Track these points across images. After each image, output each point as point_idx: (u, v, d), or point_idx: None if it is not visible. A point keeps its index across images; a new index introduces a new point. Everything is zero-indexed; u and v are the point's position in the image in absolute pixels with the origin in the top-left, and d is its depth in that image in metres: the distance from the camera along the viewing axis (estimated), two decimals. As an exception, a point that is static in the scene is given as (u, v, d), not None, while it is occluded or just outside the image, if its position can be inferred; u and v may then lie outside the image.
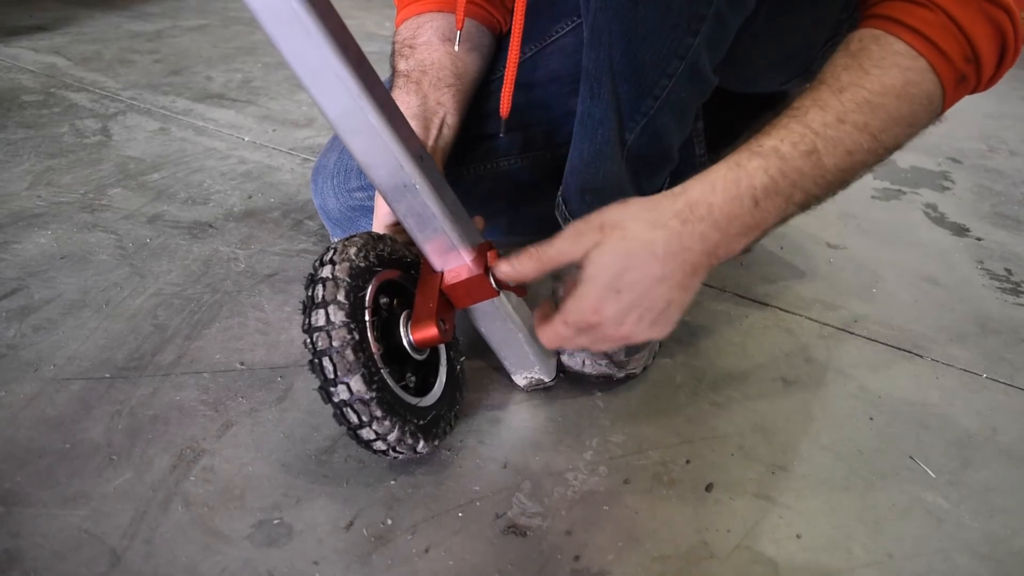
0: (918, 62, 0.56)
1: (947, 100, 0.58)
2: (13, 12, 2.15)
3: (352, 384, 0.59)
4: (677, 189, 0.59)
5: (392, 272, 0.68)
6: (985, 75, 0.59)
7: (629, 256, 0.59)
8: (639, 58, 0.66)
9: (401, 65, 0.86)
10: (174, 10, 2.39)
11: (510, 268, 0.64)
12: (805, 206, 0.60)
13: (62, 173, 1.20)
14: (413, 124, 0.77)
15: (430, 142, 0.80)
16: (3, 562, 0.56)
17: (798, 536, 0.65)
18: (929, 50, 0.56)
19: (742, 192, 0.57)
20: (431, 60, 0.84)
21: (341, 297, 0.60)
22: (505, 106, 0.80)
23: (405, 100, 0.81)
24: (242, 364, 0.80)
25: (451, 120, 0.83)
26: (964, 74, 0.57)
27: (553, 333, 0.64)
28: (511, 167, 0.95)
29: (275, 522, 0.62)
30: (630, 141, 0.71)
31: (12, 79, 1.62)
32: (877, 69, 0.56)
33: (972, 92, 0.61)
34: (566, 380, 0.82)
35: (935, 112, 0.59)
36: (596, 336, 0.62)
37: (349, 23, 0.59)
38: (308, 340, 0.60)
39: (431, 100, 0.82)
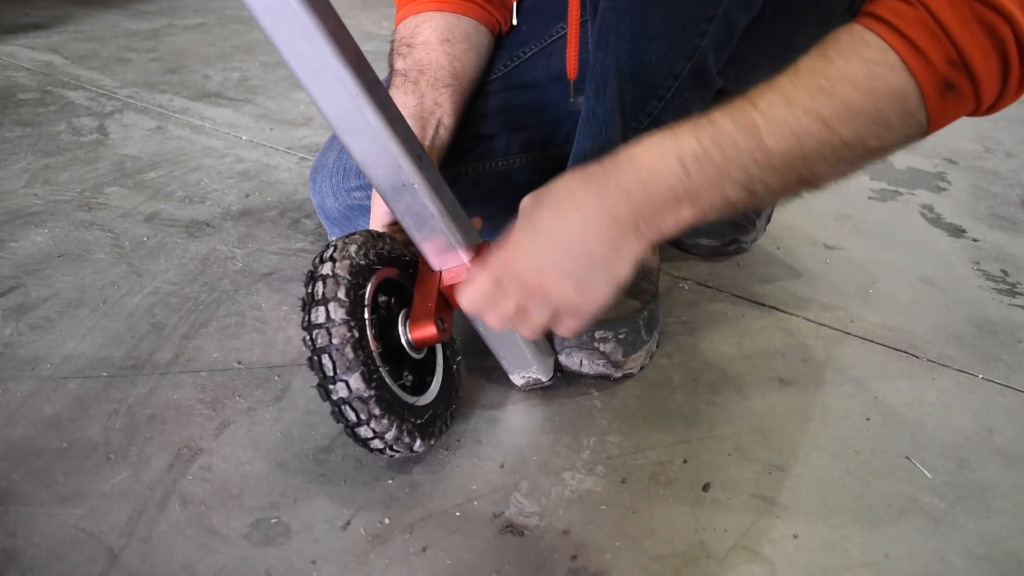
0: (887, 56, 0.52)
1: (930, 107, 0.53)
2: (9, 10, 2.14)
3: (351, 382, 0.59)
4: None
5: (391, 271, 0.68)
6: (985, 91, 0.53)
7: (549, 196, 0.59)
8: (645, 58, 0.66)
9: (398, 64, 0.86)
10: (171, 8, 2.38)
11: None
12: (752, 190, 0.55)
13: (59, 171, 1.19)
14: (409, 124, 0.77)
15: (426, 142, 0.80)
16: (0, 561, 0.56)
17: (795, 536, 0.66)
18: (902, 45, 0.52)
19: (667, 152, 0.55)
20: (428, 60, 0.84)
21: (341, 294, 0.60)
22: (572, 65, 0.79)
23: (402, 100, 0.81)
24: (239, 363, 0.80)
25: (448, 121, 0.83)
26: (950, 81, 0.52)
27: (473, 288, 0.61)
28: (510, 167, 0.95)
29: (272, 521, 0.62)
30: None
31: (8, 77, 1.62)
32: (840, 58, 0.53)
33: (975, 112, 0.56)
34: (563, 380, 0.82)
35: (911, 116, 0.53)
36: (517, 287, 0.59)
37: (346, 22, 0.59)
38: (307, 337, 0.60)
39: (428, 100, 0.82)
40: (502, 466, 0.70)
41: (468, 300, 0.61)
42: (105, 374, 0.76)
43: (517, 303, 0.60)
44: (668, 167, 0.55)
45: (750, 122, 0.53)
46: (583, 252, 0.57)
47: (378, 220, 0.79)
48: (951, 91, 0.53)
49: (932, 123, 0.54)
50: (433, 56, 0.84)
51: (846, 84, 0.52)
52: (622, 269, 0.58)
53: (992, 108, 0.55)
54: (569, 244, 0.58)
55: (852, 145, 0.54)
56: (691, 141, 0.54)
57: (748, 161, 0.54)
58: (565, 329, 0.62)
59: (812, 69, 0.53)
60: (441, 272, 0.67)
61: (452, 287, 0.67)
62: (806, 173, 0.55)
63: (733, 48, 0.71)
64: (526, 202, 0.61)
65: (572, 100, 0.89)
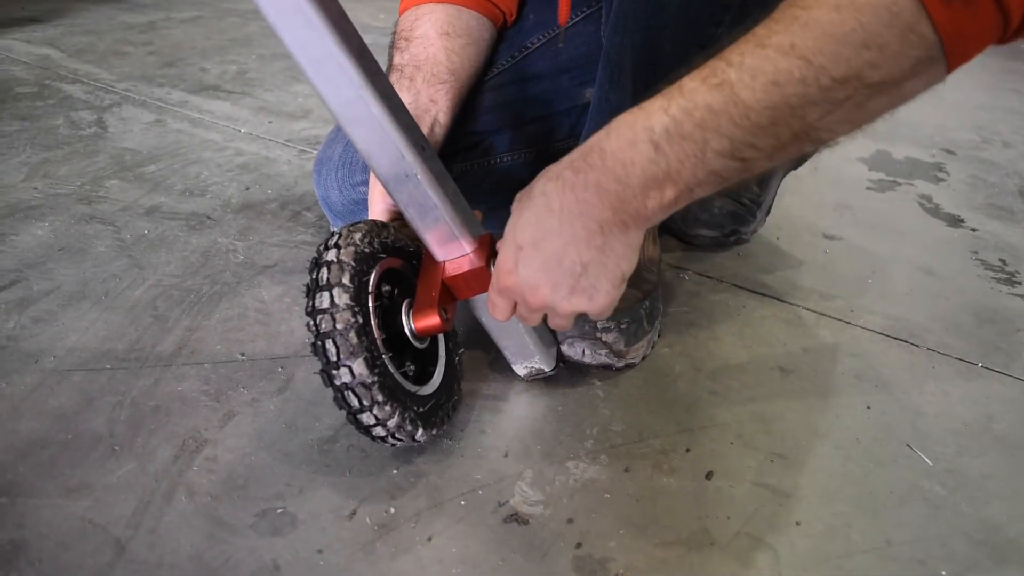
0: None
1: (936, 17, 0.42)
2: (6, 4, 2.13)
3: (354, 367, 0.59)
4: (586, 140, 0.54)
5: (395, 260, 0.68)
6: (1014, 3, 0.42)
7: (528, 211, 0.57)
8: (659, 46, 0.66)
9: (396, 58, 0.85)
10: (167, 1, 2.38)
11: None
12: (741, 157, 0.49)
13: (58, 165, 1.19)
14: None
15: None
16: (8, 552, 0.56)
17: (797, 523, 0.66)
18: None
19: (637, 136, 0.50)
20: (426, 55, 0.83)
21: (346, 280, 0.60)
22: (564, 11, 0.78)
23: None
24: (243, 355, 0.80)
25: (443, 118, 0.82)
26: None
27: (491, 304, 0.63)
28: (513, 163, 0.95)
29: (278, 511, 0.62)
30: None
31: (6, 71, 1.62)
32: None
33: (1005, 32, 0.44)
34: (566, 370, 0.82)
35: (911, 31, 0.43)
36: (523, 303, 0.60)
37: (349, 13, 0.59)
38: (311, 322, 0.60)
39: (423, 97, 0.81)
40: (506, 455, 0.71)
41: (494, 314, 0.64)
42: (108, 367, 0.76)
43: (526, 310, 0.62)
44: (640, 152, 0.51)
45: (722, 79, 0.47)
46: (573, 264, 0.56)
47: (376, 214, 0.78)
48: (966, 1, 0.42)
49: (948, 44, 0.43)
50: (431, 51, 0.83)
51: (824, 7, 0.44)
52: (620, 265, 0.57)
53: None
54: (559, 259, 0.56)
55: (845, 81, 0.45)
56: (662, 117, 0.50)
57: (726, 125, 0.48)
58: (592, 317, 0.63)
59: (784, 7, 0.46)
60: (444, 263, 0.68)
61: (455, 277, 0.67)
62: (799, 126, 0.47)
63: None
64: (514, 205, 0.61)
65: (560, 45, 0.87)
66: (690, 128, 0.49)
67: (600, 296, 0.58)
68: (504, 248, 0.60)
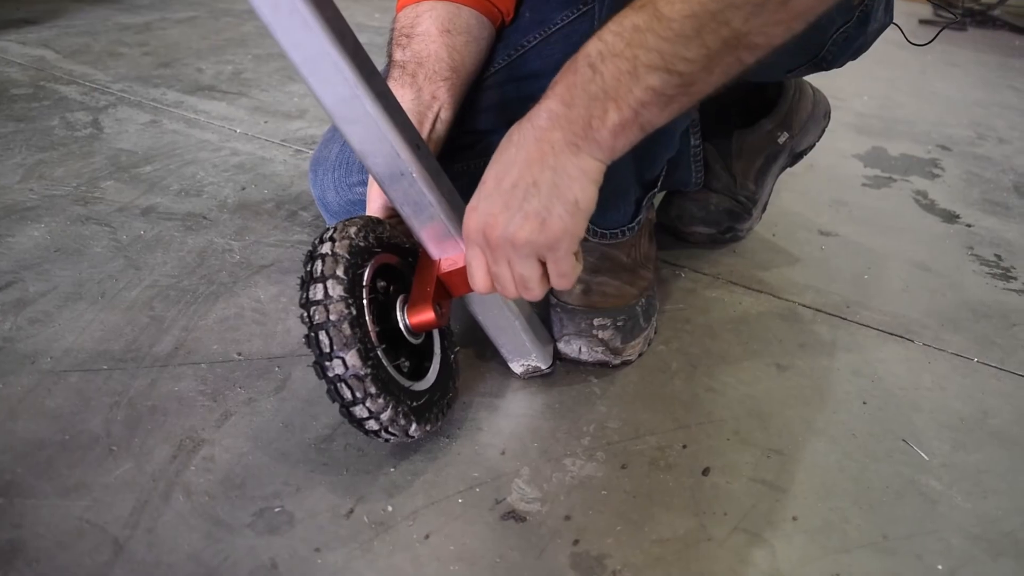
0: None
1: None
2: (0, 5, 2.13)
3: (348, 359, 0.59)
4: None
5: (390, 256, 0.68)
6: None
7: (494, 155, 0.60)
8: None
9: (397, 55, 0.85)
10: (163, 2, 2.37)
11: None
12: (676, 71, 0.51)
13: (54, 166, 1.19)
14: None
15: (424, 136, 0.80)
16: (6, 552, 0.56)
17: (794, 518, 0.66)
18: None
19: (578, 63, 0.54)
20: (427, 52, 0.83)
21: (340, 272, 0.60)
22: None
23: (399, 93, 0.80)
24: (239, 354, 0.80)
25: (445, 115, 0.82)
26: None
27: (471, 272, 0.64)
28: None
29: (276, 510, 0.62)
30: None
31: (1, 72, 1.61)
32: None
33: None
34: (562, 367, 0.82)
35: None
36: (486, 244, 0.61)
37: (344, 12, 0.59)
38: (305, 314, 0.60)
39: (425, 94, 0.81)
40: (503, 453, 0.71)
41: (477, 285, 0.64)
42: (105, 367, 0.76)
43: (508, 265, 0.61)
44: (580, 76, 0.54)
45: (645, 1, 0.51)
46: (527, 185, 0.57)
47: (373, 211, 0.78)
48: None
49: None
50: (432, 48, 0.83)
51: None
52: (574, 189, 0.57)
53: None
54: (513, 184, 0.58)
55: None
56: (596, 43, 0.53)
57: (652, 39, 0.50)
58: (558, 279, 0.62)
59: None
60: (439, 259, 0.68)
61: (450, 274, 0.67)
62: (726, 32, 0.49)
63: None
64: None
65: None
66: (620, 47, 0.52)
67: (552, 221, 0.58)
68: (473, 196, 0.61)
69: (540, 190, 0.57)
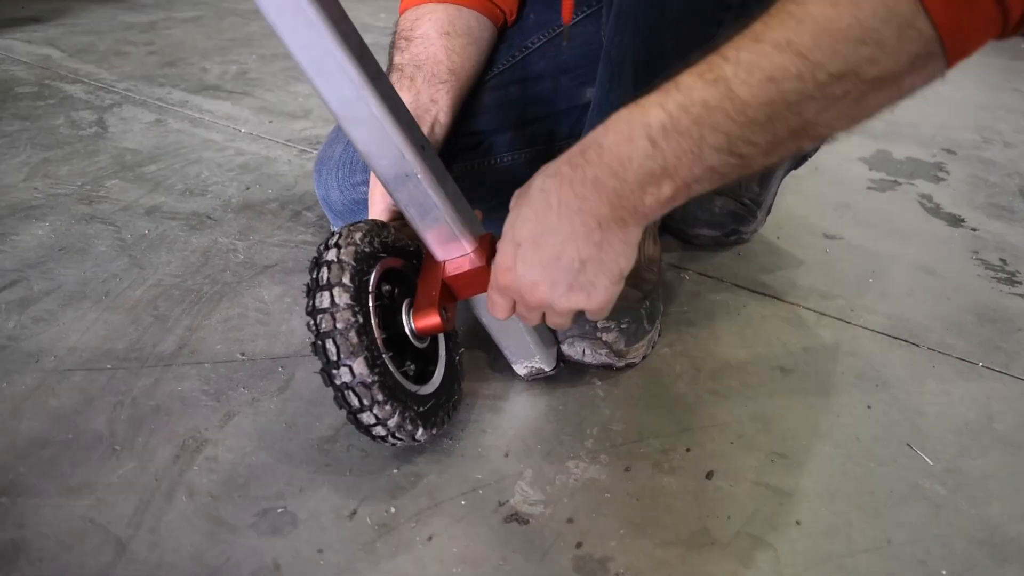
0: None
1: (932, 10, 0.42)
2: (6, 4, 2.14)
3: (355, 367, 0.59)
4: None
5: (395, 260, 0.68)
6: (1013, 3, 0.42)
7: (526, 208, 0.57)
8: (661, 46, 0.66)
9: (396, 58, 0.85)
10: (168, 1, 2.38)
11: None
12: (738, 153, 0.49)
13: (59, 165, 1.19)
14: None
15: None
16: (9, 552, 0.57)
17: (798, 522, 0.66)
18: None
19: (634, 131, 0.51)
20: (426, 55, 0.83)
21: (346, 280, 0.60)
22: (568, 10, 0.78)
23: None
24: (243, 354, 0.80)
25: (443, 118, 0.82)
26: None
27: (491, 303, 0.63)
28: (514, 163, 0.95)
29: (279, 511, 0.62)
30: None
31: (6, 71, 1.62)
32: None
33: (1004, 27, 0.43)
34: (566, 369, 0.82)
35: (908, 27, 0.43)
36: (521, 301, 0.61)
37: (349, 13, 0.59)
38: (311, 322, 0.60)
39: (424, 97, 0.81)
40: (506, 455, 0.71)
41: (494, 313, 0.64)
42: (109, 366, 0.76)
43: (542, 315, 0.62)
44: (637, 148, 0.51)
45: (718, 75, 0.47)
46: (572, 261, 0.56)
47: (376, 214, 0.78)
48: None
49: (946, 39, 0.43)
50: (431, 51, 0.83)
51: (819, 2, 0.44)
52: (619, 262, 0.57)
53: None
54: (556, 256, 0.56)
55: (842, 77, 0.45)
56: (658, 112, 0.50)
57: (723, 121, 0.48)
58: (591, 317, 0.62)
59: (780, 4, 0.46)
60: (444, 262, 0.68)
61: (455, 277, 0.67)
62: (796, 122, 0.47)
63: None
64: (512, 202, 0.61)
65: (565, 44, 0.88)
66: (687, 124, 0.49)
67: (598, 293, 0.58)
68: (503, 246, 0.60)
69: (587, 268, 0.56)
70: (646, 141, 0.50)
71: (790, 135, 0.48)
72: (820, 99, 0.46)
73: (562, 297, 0.58)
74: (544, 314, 0.63)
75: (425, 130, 0.80)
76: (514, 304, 0.63)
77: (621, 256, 0.57)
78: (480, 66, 0.90)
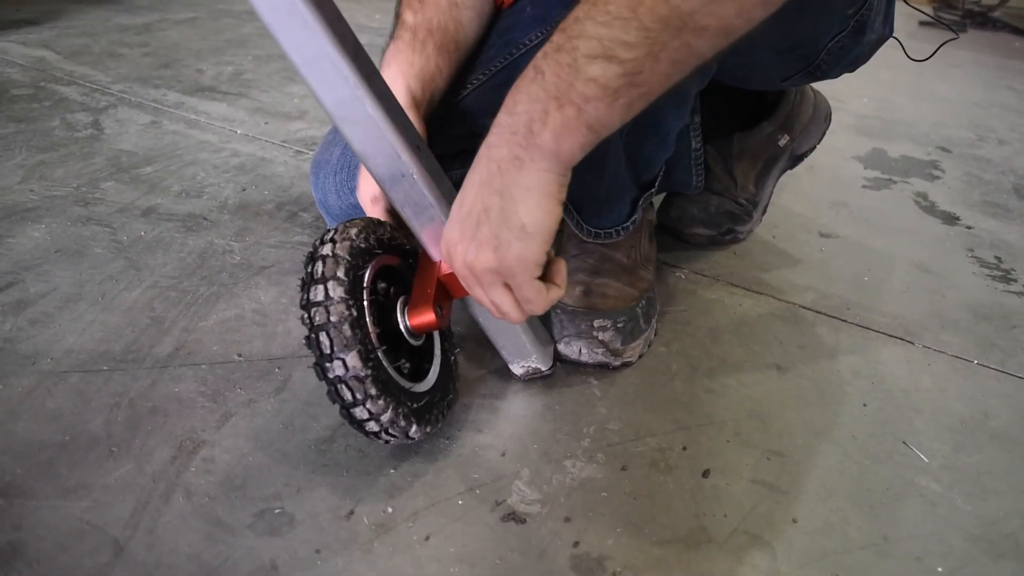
0: None
1: None
2: (0, 6, 2.13)
3: (348, 360, 0.59)
4: None
5: (391, 258, 0.68)
6: None
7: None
8: None
9: (409, 18, 0.84)
10: (163, 3, 2.37)
11: None
12: (614, 57, 0.47)
13: (54, 167, 1.19)
14: (413, 83, 0.77)
15: (423, 107, 0.79)
16: (6, 554, 0.56)
17: (794, 520, 0.66)
18: None
19: (527, 70, 0.52)
20: (438, 22, 0.83)
21: (341, 274, 0.60)
22: None
23: (409, 57, 0.79)
24: (240, 356, 0.80)
25: (443, 86, 0.83)
26: None
27: (468, 288, 0.63)
28: None
29: (276, 511, 0.62)
30: (629, 127, 0.71)
31: (1, 73, 1.61)
32: None
33: None
34: (563, 369, 0.82)
35: None
36: (458, 271, 0.61)
37: (345, 13, 0.59)
38: (305, 316, 0.60)
39: (432, 64, 0.81)
40: (503, 455, 0.71)
41: (481, 302, 0.63)
42: (106, 368, 0.76)
43: (481, 291, 0.61)
44: (525, 79, 0.51)
45: None
46: (478, 212, 0.56)
47: (364, 203, 0.78)
48: None
49: None
50: (442, 19, 0.83)
51: None
52: (519, 213, 0.54)
53: None
54: (468, 211, 0.56)
55: None
56: (545, 44, 0.51)
57: (591, 27, 0.47)
58: (525, 305, 0.60)
59: None
60: (440, 261, 0.68)
61: (450, 276, 0.67)
62: (665, 11, 0.45)
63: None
64: None
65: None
66: (562, 40, 0.49)
67: (504, 249, 0.55)
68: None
69: (490, 216, 0.55)
70: (532, 70, 0.51)
71: (664, 27, 0.46)
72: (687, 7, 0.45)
73: (474, 257, 0.57)
74: (489, 305, 0.62)
75: (427, 96, 0.79)
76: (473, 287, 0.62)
77: (521, 205, 0.54)
78: (479, 38, 0.90)
